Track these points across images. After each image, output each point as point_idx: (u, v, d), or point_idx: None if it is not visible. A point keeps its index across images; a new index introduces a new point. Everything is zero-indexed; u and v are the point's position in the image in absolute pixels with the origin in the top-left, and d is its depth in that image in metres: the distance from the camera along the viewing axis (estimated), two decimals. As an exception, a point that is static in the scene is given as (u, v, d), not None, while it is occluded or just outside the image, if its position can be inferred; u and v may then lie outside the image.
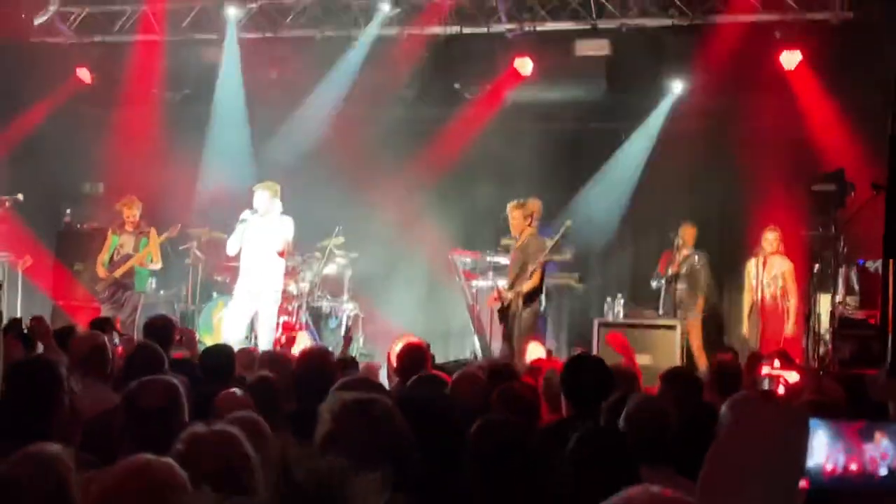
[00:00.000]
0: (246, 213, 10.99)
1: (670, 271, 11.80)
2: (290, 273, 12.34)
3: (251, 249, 11.05)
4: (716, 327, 12.19)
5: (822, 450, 2.13)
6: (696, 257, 11.76)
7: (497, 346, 11.96)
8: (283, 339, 11.76)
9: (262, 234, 10.98)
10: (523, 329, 10.47)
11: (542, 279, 10.67)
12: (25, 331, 6.81)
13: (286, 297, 12.38)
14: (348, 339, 11.64)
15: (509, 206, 10.91)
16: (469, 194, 13.46)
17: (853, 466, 2.11)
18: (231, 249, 11.28)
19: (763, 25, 11.76)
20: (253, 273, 11.04)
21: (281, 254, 11.14)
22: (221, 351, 6.68)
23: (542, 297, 11.29)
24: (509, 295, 10.61)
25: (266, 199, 10.98)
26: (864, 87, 11.32)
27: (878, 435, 2.12)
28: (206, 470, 2.84)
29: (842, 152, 11.32)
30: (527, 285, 10.49)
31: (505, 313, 10.64)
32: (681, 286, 11.74)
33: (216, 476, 2.84)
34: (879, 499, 2.13)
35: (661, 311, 11.69)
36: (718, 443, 2.06)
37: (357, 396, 3.15)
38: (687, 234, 11.80)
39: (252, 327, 11.28)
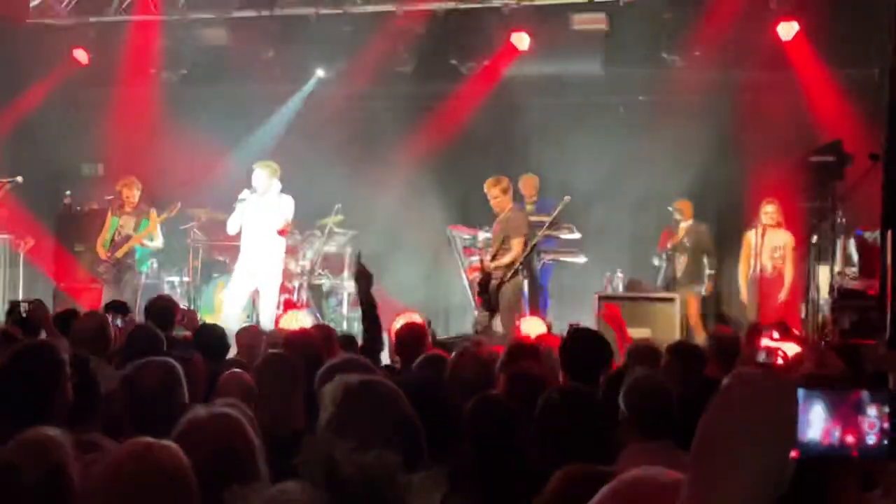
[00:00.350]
0: (245, 193, 11.02)
1: (670, 245, 11.84)
2: (291, 251, 12.37)
3: (251, 229, 11.09)
4: (714, 299, 12.22)
5: (819, 422, 2.16)
6: (700, 227, 11.80)
7: (497, 321, 12.03)
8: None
9: (261, 214, 11.02)
10: (506, 303, 10.47)
11: (523, 252, 10.59)
12: (24, 315, 6.78)
13: (287, 274, 12.43)
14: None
15: (486, 184, 10.83)
16: (467, 170, 13.44)
17: (849, 438, 2.15)
18: (231, 229, 11.33)
19: (759, -4, 11.73)
20: (252, 252, 11.09)
21: (281, 232, 11.18)
22: (214, 331, 6.71)
23: (539, 270, 11.33)
24: (491, 266, 10.60)
25: (265, 177, 11.01)
26: (860, 58, 11.33)
27: (868, 405, 2.16)
28: (207, 454, 2.83)
29: (839, 123, 11.32)
30: (507, 257, 10.49)
31: (485, 286, 10.59)
32: (683, 258, 11.78)
33: (217, 460, 2.85)
34: (868, 468, 2.17)
35: (660, 285, 11.73)
36: (709, 414, 2.09)
37: (359, 379, 3.09)
38: (684, 208, 11.84)
39: (253, 306, 11.33)
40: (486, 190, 10.78)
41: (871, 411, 2.21)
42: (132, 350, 5.33)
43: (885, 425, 2.12)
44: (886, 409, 2.20)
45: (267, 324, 10.56)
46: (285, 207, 11.11)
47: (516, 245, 10.51)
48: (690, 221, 11.89)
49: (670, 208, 12.03)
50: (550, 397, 3.88)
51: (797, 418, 2.09)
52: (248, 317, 11.15)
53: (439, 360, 5.45)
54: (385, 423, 2.91)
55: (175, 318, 7.42)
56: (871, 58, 11.02)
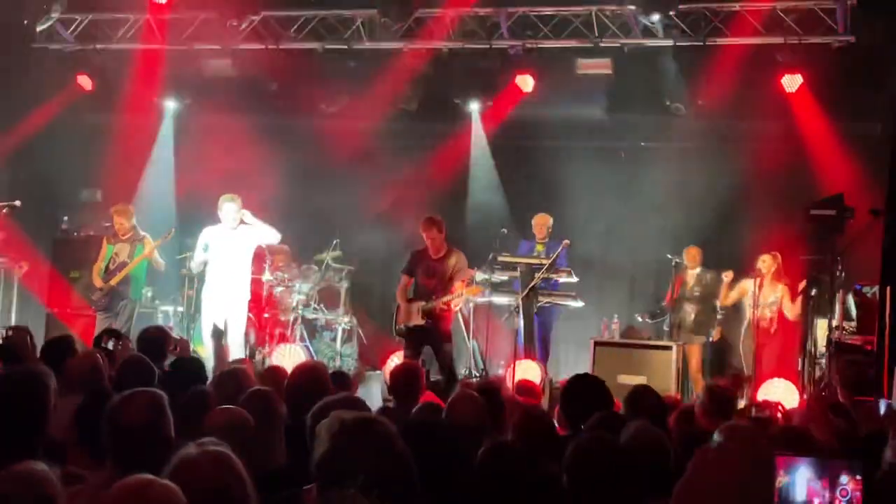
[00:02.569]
0: (207, 234, 10.99)
1: (679, 292, 11.79)
2: (283, 284, 12.34)
3: (219, 261, 11.00)
4: (717, 350, 12.11)
5: (804, 486, 2.17)
6: (708, 275, 11.74)
7: (493, 360, 11.98)
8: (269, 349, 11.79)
9: (231, 246, 10.94)
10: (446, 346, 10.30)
11: (462, 295, 10.35)
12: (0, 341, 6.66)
13: (282, 308, 12.37)
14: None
15: (422, 224, 10.33)
16: (468, 209, 13.44)
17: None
18: (195, 266, 11.31)
19: (765, 48, 11.76)
20: (221, 286, 10.97)
21: (257, 257, 11.12)
22: (191, 363, 6.64)
23: (535, 314, 11.27)
24: (430, 306, 10.24)
25: (234, 210, 10.93)
26: (864, 112, 11.36)
27: (843, 472, 2.19)
28: (201, 492, 2.80)
29: (841, 176, 11.32)
30: (444, 299, 10.21)
31: (424, 329, 10.23)
32: (692, 307, 11.72)
33: (211, 499, 2.81)
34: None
35: (669, 334, 11.70)
36: (687, 478, 2.07)
37: (357, 416, 3.09)
38: (692, 255, 11.80)
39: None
40: (422, 231, 10.32)
41: (845, 480, 2.23)
42: (122, 381, 5.26)
43: (858, 495, 2.16)
44: (860, 479, 2.22)
45: (235, 355, 10.46)
46: (258, 235, 11.08)
47: (458, 286, 10.29)
48: (699, 269, 11.83)
49: (669, 256, 12.00)
50: (581, 446, 3.74)
51: (774, 482, 2.10)
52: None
53: (436, 409, 5.40)
54: (379, 462, 2.89)
55: (167, 348, 7.34)
56: (874, 112, 11.06)
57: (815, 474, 2.33)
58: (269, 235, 11.15)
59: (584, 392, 5.27)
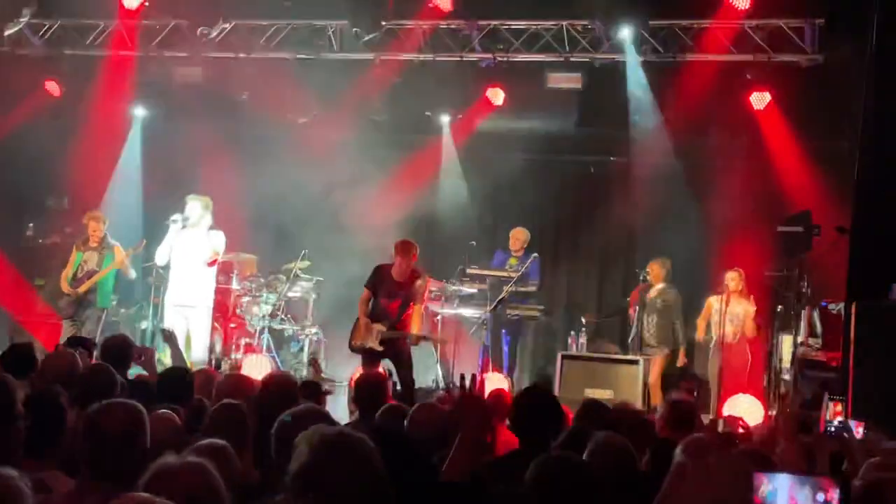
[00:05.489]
0: (176, 216, 10.91)
1: (639, 305, 11.83)
2: (252, 294, 12.28)
3: (180, 263, 10.96)
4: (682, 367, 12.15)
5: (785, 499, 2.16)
6: (671, 292, 11.76)
7: (459, 374, 11.95)
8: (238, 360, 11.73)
9: (190, 247, 10.90)
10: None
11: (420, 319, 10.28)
12: None
13: (249, 318, 12.31)
14: (316, 364, 11.47)
15: (397, 245, 10.15)
16: (437, 221, 13.44)
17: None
18: (160, 259, 11.23)
19: (734, 65, 11.85)
20: (183, 287, 10.93)
21: (210, 263, 11.03)
22: (179, 374, 6.58)
23: (503, 327, 11.29)
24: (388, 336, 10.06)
25: (198, 210, 10.90)
26: (831, 130, 11.47)
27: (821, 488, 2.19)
28: (176, 502, 2.80)
29: (808, 194, 11.41)
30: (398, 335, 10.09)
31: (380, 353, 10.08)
32: (653, 319, 11.74)
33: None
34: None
35: (630, 346, 11.73)
36: (665, 494, 2.07)
37: (338, 431, 3.09)
38: (654, 270, 11.83)
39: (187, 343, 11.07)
40: (396, 252, 10.10)
41: (821, 497, 2.24)
42: (85, 390, 5.20)
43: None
44: (838, 494, 2.23)
45: (199, 361, 10.41)
46: (215, 241, 11.01)
47: (417, 310, 10.21)
48: (662, 284, 11.85)
49: (638, 270, 12.05)
50: (545, 465, 3.70)
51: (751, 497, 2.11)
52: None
53: (397, 413, 5.40)
54: (357, 477, 2.89)
55: (131, 357, 7.27)
56: (841, 131, 11.16)
57: (794, 489, 2.33)
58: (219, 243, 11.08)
59: (534, 405, 5.23)
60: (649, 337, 11.70)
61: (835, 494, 2.20)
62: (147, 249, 12.12)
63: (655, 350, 11.66)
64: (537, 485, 3.55)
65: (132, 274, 11.65)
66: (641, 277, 11.93)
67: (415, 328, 10.08)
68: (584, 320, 12.34)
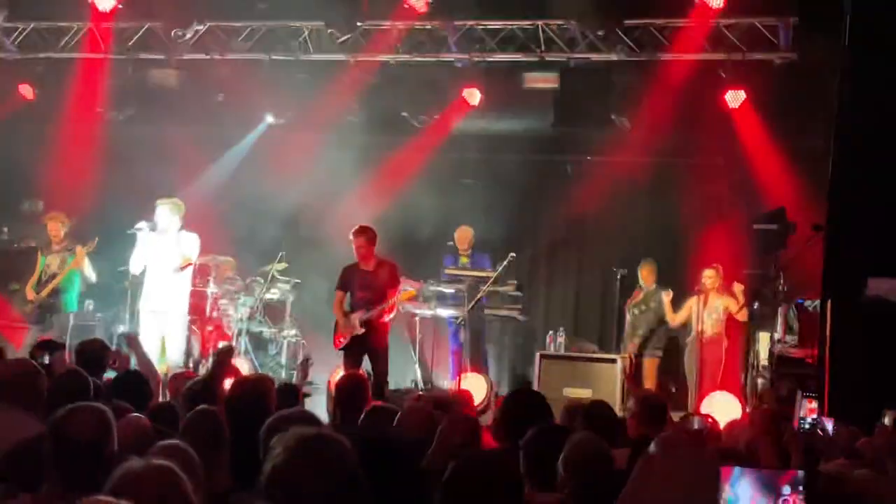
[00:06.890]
0: (141, 224, 10.73)
1: (632, 305, 11.85)
2: (228, 297, 12.22)
3: (153, 268, 10.81)
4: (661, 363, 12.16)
5: (748, 498, 2.17)
6: (661, 294, 11.76)
7: (438, 375, 11.97)
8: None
9: (162, 252, 10.74)
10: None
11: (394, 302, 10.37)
12: None
13: (227, 321, 12.25)
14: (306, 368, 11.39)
15: (353, 232, 10.30)
16: (414, 223, 13.41)
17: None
18: (135, 267, 10.91)
19: (709, 64, 11.88)
20: (156, 292, 10.79)
21: (182, 268, 10.88)
22: (133, 378, 6.53)
23: (481, 326, 11.27)
24: (368, 315, 10.19)
25: (167, 214, 10.71)
26: (805, 128, 11.50)
27: (785, 484, 2.20)
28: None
29: (784, 191, 11.45)
30: (381, 307, 10.20)
31: (361, 338, 10.21)
32: (643, 322, 11.75)
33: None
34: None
35: (622, 349, 11.76)
36: (631, 488, 2.07)
37: (315, 433, 3.06)
38: (644, 272, 11.85)
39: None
40: (351, 237, 10.29)
41: (787, 491, 2.26)
42: (58, 396, 5.14)
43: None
44: (801, 490, 2.25)
45: (175, 366, 10.30)
46: (186, 244, 10.83)
47: (392, 295, 10.27)
48: (653, 286, 11.86)
49: (615, 269, 12.06)
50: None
51: (718, 494, 2.11)
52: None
53: (385, 413, 5.38)
54: (334, 481, 2.87)
55: (106, 362, 7.22)
56: (815, 128, 11.19)
57: (758, 486, 2.34)
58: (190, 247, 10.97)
59: (523, 406, 5.24)
60: (639, 339, 11.71)
61: (800, 489, 2.20)
62: (119, 251, 12.00)
63: (647, 351, 11.68)
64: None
65: (92, 276, 11.45)
66: (618, 276, 11.94)
67: (389, 307, 10.20)
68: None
